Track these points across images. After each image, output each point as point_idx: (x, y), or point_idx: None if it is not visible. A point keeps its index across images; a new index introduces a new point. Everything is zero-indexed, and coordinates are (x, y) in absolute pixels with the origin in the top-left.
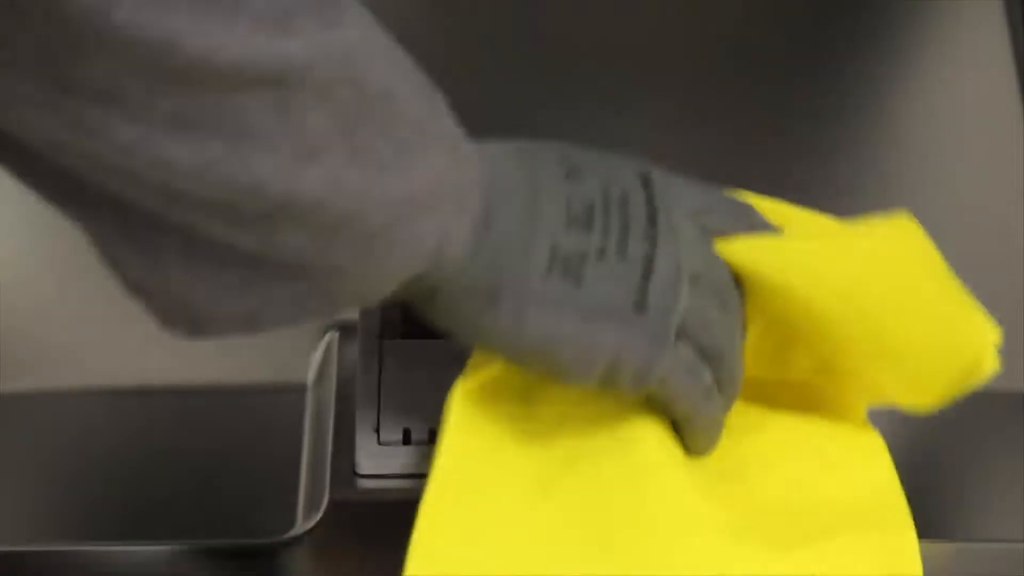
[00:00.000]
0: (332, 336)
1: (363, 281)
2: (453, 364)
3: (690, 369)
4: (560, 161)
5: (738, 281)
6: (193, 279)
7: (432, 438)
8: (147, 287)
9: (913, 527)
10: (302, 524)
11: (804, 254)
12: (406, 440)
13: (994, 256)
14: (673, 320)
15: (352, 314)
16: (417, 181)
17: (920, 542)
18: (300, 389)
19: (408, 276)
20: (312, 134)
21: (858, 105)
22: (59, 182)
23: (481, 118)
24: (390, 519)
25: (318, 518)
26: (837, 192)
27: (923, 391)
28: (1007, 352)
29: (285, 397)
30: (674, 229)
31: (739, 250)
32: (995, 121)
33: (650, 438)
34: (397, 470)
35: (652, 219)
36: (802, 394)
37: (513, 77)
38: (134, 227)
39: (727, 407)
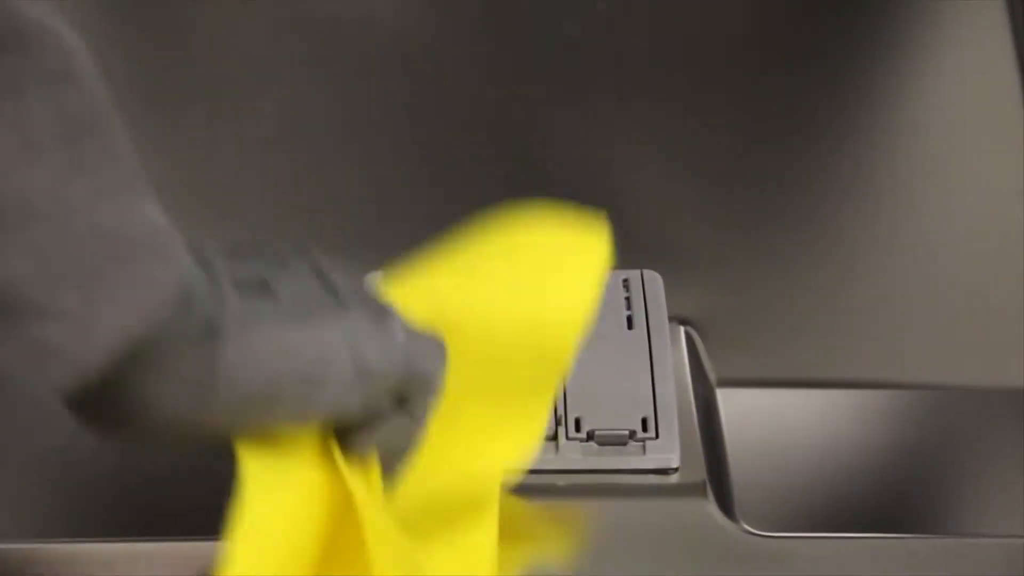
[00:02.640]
0: None
1: (84, 332)
2: None
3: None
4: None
5: None
6: None
7: None
8: None
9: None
10: None
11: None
12: None
13: (994, 256)
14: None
15: None
16: (146, 218)
17: (920, 538)
18: None
19: (131, 330)
20: (37, 127)
21: (858, 105)
22: None
23: (482, 118)
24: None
25: None
26: (837, 192)
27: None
28: (1006, 350)
29: None
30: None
31: None
32: (996, 121)
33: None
34: None
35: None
36: None
37: (514, 77)
38: None
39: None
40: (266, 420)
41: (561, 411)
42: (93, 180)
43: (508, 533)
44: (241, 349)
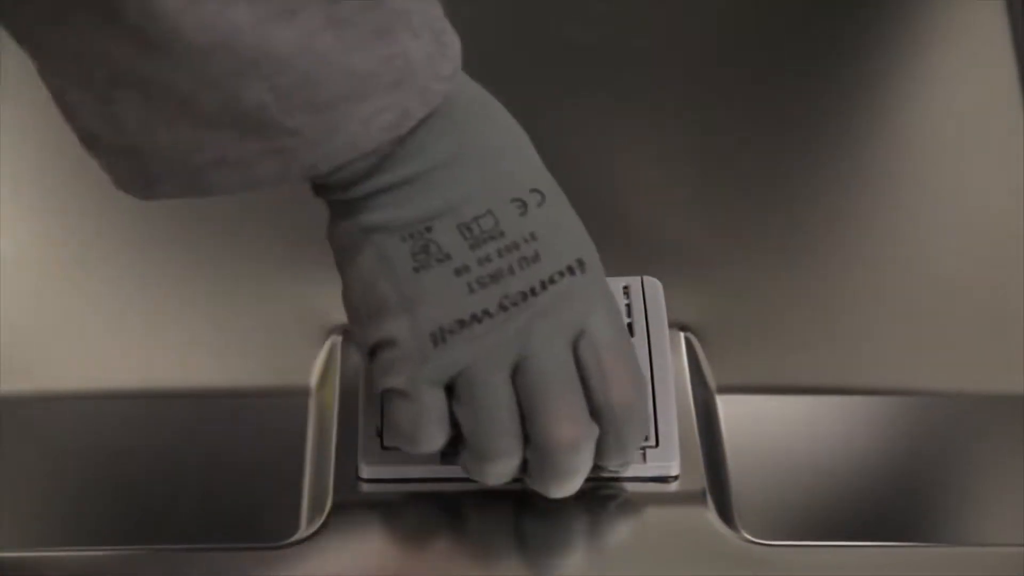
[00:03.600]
0: (335, 340)
1: (315, 149)
2: None
3: (411, 413)
4: (531, 177)
5: None
6: (149, 133)
7: None
8: (101, 139)
9: None
10: (305, 529)
11: None
12: None
13: (994, 256)
14: (445, 368)
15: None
16: (386, 61)
17: (920, 547)
18: (303, 393)
19: (358, 152)
20: None
21: (858, 105)
22: (30, 7)
23: None
24: (393, 524)
25: (321, 523)
26: (837, 192)
27: None
28: (1007, 356)
29: (288, 401)
30: (536, 319)
31: None
32: (996, 121)
33: None
34: (400, 475)
35: (527, 294)
36: None
37: (513, 78)
38: (94, 75)
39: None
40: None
41: None
42: (342, 31)
43: None
44: (348, 229)
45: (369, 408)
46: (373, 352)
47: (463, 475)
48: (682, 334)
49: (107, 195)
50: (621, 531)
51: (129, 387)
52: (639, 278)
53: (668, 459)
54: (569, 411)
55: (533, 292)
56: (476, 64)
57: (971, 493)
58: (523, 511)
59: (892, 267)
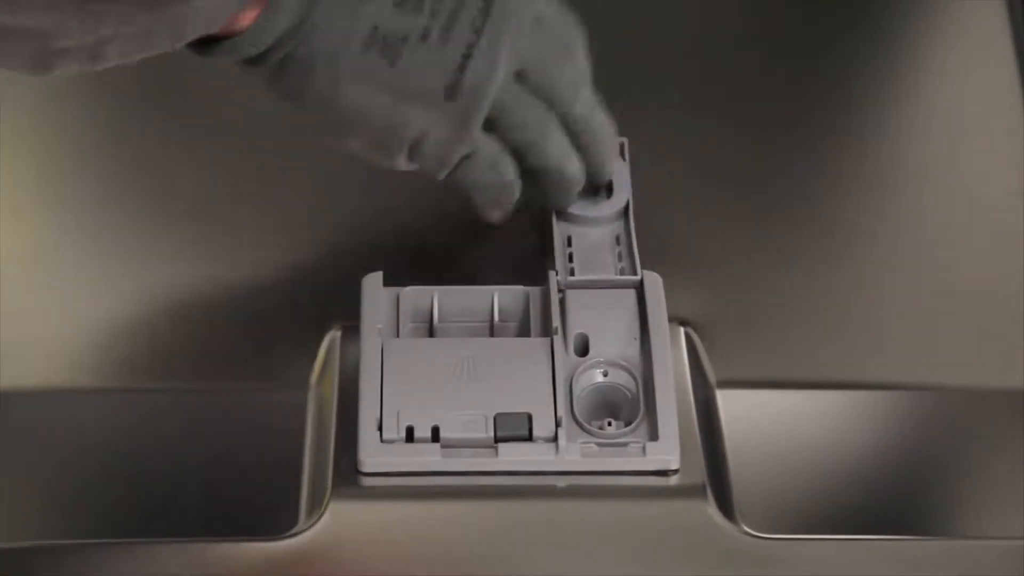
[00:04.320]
0: (334, 335)
1: (202, 10)
2: (455, 363)
3: (492, 164)
4: None
5: None
6: (50, 13)
7: (435, 436)
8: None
9: None
10: (305, 522)
11: None
12: (409, 438)
13: (994, 256)
14: (479, 111)
15: (354, 316)
16: None
17: (919, 540)
18: (302, 387)
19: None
20: None
21: (858, 105)
22: None
23: None
24: (393, 517)
25: (321, 516)
26: (838, 193)
27: None
28: (1007, 351)
29: (287, 396)
30: (506, 19)
31: None
32: (996, 121)
33: None
34: (400, 468)
35: (486, 9)
36: None
37: None
38: None
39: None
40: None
41: (561, 412)
42: None
43: None
44: (321, 90)
45: (368, 401)
46: (412, 154)
47: (462, 468)
48: (682, 329)
49: (107, 195)
50: (621, 524)
51: (129, 383)
52: (639, 273)
53: (668, 453)
54: None
55: (487, 11)
56: None
57: (970, 487)
58: (523, 505)
59: (892, 263)
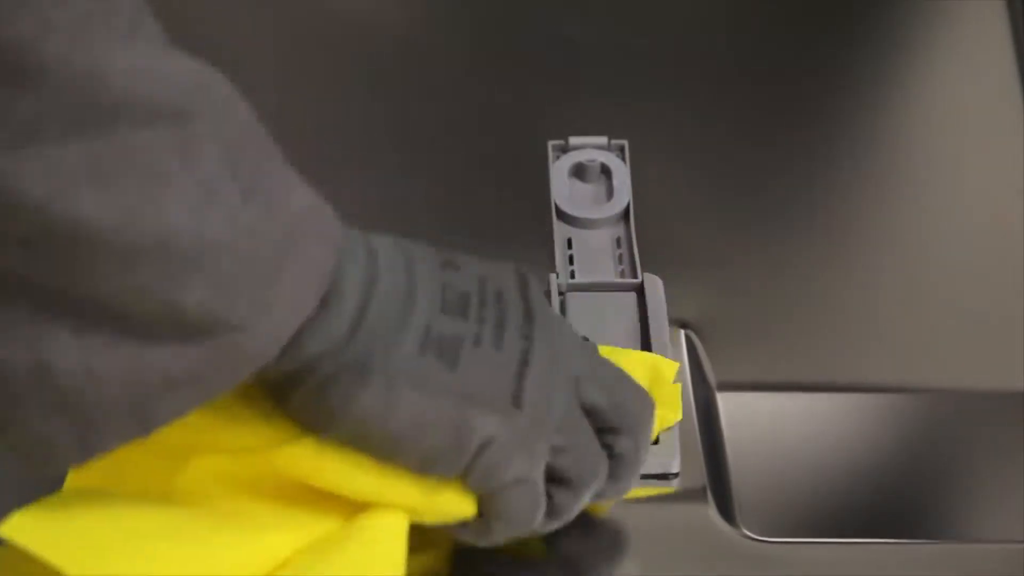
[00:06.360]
0: None
1: (259, 334)
2: None
3: (535, 501)
4: (436, 253)
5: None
6: (86, 375)
7: None
8: (26, 400)
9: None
10: None
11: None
12: None
13: (994, 256)
14: (546, 424)
15: None
16: (297, 211)
17: (920, 543)
18: None
19: (299, 320)
20: (208, 173)
21: (858, 106)
22: None
23: (484, 117)
24: None
25: None
26: (837, 195)
27: None
28: (1006, 353)
29: None
30: (550, 327)
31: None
32: (996, 121)
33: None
34: None
35: (529, 315)
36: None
37: (512, 77)
38: (13, 309)
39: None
40: (406, 453)
41: None
42: (256, 202)
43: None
44: (377, 400)
45: None
46: (476, 474)
47: None
48: (682, 331)
49: None
50: (622, 528)
51: None
52: (640, 276)
53: (668, 456)
54: None
55: (530, 319)
56: (477, 63)
57: (971, 490)
58: None
59: (892, 264)
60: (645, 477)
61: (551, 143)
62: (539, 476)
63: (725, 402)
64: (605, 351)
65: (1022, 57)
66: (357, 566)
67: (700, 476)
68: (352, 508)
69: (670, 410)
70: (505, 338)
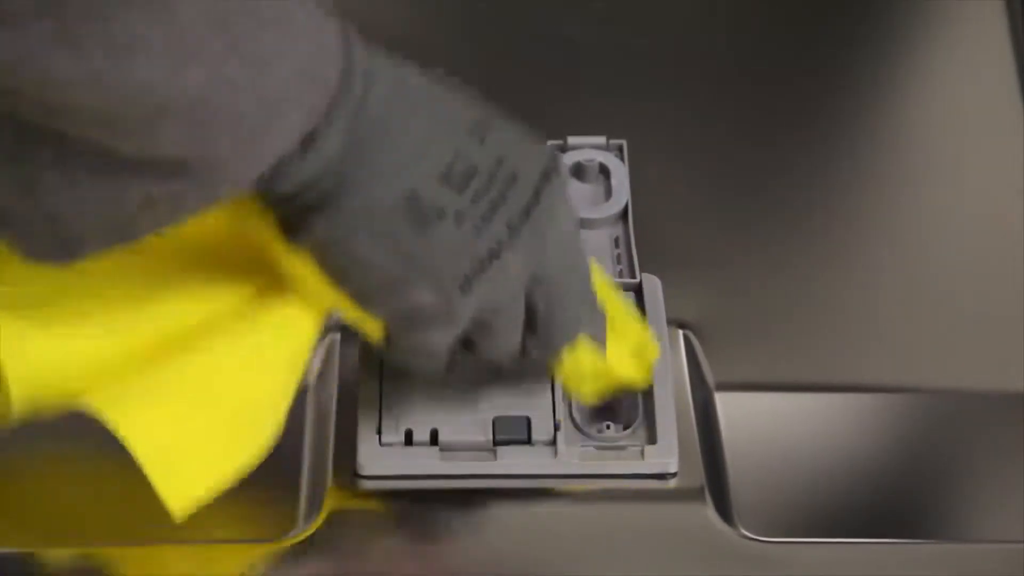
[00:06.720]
0: (333, 337)
1: (239, 169)
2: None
3: (436, 363)
4: (472, 110)
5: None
6: (67, 191)
7: (434, 439)
8: (13, 210)
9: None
10: (303, 525)
11: None
12: (408, 441)
13: (994, 258)
14: (479, 316)
15: None
16: (288, 62)
17: (918, 543)
18: (301, 390)
19: (279, 154)
20: (189, 32)
21: (858, 107)
22: None
23: None
24: (390, 520)
25: (319, 519)
26: (836, 195)
27: None
28: (1005, 353)
29: None
30: (543, 226)
31: None
32: (996, 121)
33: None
34: (399, 471)
35: (528, 208)
36: None
37: (513, 77)
38: (1, 137)
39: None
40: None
41: (560, 415)
42: (243, 59)
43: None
44: (330, 234)
45: (367, 405)
46: (397, 324)
47: (461, 471)
48: (681, 332)
49: None
50: (620, 528)
51: None
52: (638, 276)
53: (667, 456)
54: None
55: (527, 213)
56: (476, 64)
57: (970, 490)
58: (521, 509)
59: (891, 264)
60: (643, 476)
61: (549, 142)
62: (451, 344)
63: (723, 402)
64: (603, 290)
65: (1022, 57)
66: (264, 348)
67: (698, 476)
68: (269, 288)
69: (638, 375)
70: (489, 224)
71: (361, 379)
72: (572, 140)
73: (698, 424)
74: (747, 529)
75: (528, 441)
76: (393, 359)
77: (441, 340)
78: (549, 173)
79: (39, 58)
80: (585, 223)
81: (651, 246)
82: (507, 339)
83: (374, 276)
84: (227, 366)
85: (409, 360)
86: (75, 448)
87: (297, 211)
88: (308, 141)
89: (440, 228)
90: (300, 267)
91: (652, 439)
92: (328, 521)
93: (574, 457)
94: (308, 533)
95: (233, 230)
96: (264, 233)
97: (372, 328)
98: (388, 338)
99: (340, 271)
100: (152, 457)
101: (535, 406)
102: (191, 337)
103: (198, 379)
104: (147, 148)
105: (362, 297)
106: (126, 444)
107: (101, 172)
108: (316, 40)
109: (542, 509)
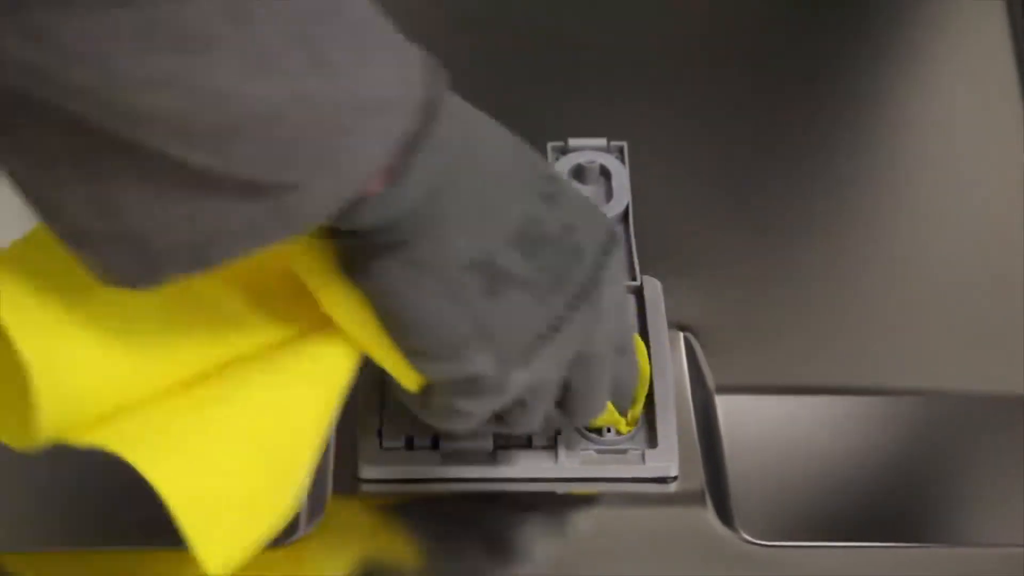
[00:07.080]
0: None
1: (316, 196)
2: None
3: (467, 427)
4: (545, 178)
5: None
6: (151, 207)
7: (435, 444)
8: (93, 231)
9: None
10: (304, 529)
11: None
12: (409, 446)
13: (994, 260)
14: (537, 392)
15: None
16: (370, 84)
17: (918, 547)
18: None
19: (356, 190)
20: (268, 41)
21: (858, 105)
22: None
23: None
24: (391, 524)
25: (320, 523)
26: (837, 198)
27: None
28: (1007, 354)
29: None
30: (599, 309)
31: None
32: (995, 121)
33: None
34: (399, 476)
35: (586, 289)
36: None
37: (513, 76)
38: (78, 150)
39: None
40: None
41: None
42: (322, 73)
43: None
44: (401, 284)
45: (368, 409)
46: (445, 386)
47: (462, 476)
48: (681, 334)
49: None
50: (620, 532)
51: None
52: (639, 278)
53: (667, 460)
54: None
55: (587, 291)
56: (476, 64)
57: (970, 493)
58: (522, 511)
59: (891, 267)
60: (644, 480)
61: (550, 144)
62: (488, 415)
63: (724, 405)
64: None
65: (1021, 58)
66: (300, 398)
67: (698, 479)
68: (310, 327)
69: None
70: (553, 298)
71: (363, 384)
72: (573, 142)
73: (698, 427)
74: (747, 533)
75: (528, 445)
76: (420, 413)
77: (483, 409)
78: (609, 248)
79: (110, 55)
80: None
81: (652, 248)
82: (537, 414)
83: (438, 335)
84: (263, 415)
85: (437, 419)
86: (75, 448)
87: (366, 249)
88: (392, 176)
89: (509, 296)
90: (347, 309)
91: (653, 443)
92: (329, 525)
93: (574, 461)
94: (309, 536)
95: (275, 264)
96: (315, 263)
97: (409, 379)
98: (425, 394)
99: (400, 322)
100: (187, 508)
101: None
102: (225, 381)
103: (233, 427)
104: (220, 163)
105: (417, 353)
106: (159, 493)
107: (180, 187)
108: (397, 66)
109: (542, 513)
